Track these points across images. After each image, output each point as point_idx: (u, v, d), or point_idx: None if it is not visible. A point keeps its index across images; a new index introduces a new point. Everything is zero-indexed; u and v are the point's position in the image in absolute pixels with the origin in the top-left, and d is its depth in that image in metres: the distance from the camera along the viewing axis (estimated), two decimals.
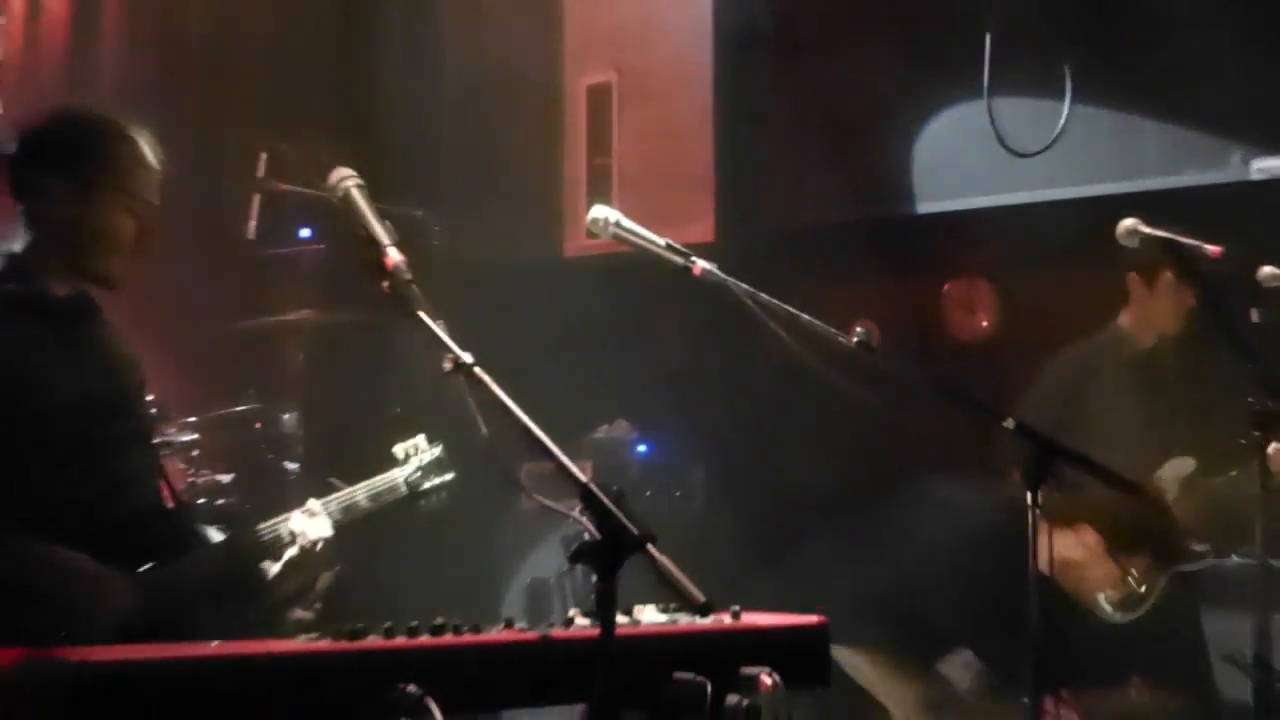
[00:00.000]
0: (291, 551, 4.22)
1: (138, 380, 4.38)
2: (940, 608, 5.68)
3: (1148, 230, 4.87)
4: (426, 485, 4.47)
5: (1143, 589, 5.44)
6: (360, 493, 4.35)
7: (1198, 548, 5.27)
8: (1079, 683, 5.40)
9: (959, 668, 5.21)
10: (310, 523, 4.26)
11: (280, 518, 4.25)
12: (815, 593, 4.38)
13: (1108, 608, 5.46)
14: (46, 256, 4.16)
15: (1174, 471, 5.56)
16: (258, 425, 7.11)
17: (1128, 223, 4.94)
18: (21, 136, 4.29)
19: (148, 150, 4.24)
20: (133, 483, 4.18)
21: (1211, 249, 4.51)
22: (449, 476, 4.52)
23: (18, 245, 4.17)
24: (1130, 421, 5.82)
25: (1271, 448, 4.66)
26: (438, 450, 4.53)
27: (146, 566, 3.99)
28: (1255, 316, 4.65)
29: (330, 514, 4.29)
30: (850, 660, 5.21)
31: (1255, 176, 7.02)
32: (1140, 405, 5.92)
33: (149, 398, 4.62)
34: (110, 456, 4.14)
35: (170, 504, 4.28)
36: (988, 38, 7.07)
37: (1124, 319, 5.87)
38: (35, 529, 3.90)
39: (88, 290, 4.23)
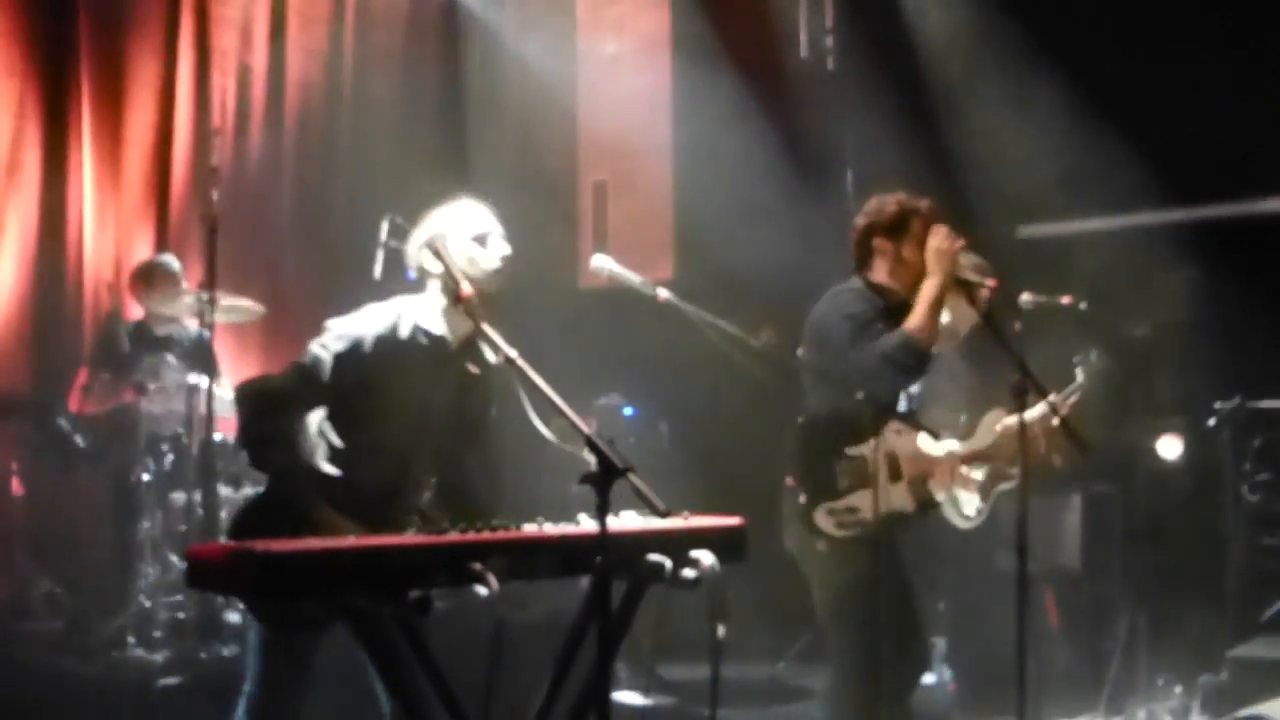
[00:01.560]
0: None
1: (487, 394, 3.84)
2: None
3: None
4: None
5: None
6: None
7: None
8: None
9: None
10: None
11: None
12: (738, 499, 4.31)
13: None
14: (436, 307, 3.73)
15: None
16: None
17: None
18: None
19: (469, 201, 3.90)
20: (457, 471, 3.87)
21: (990, 283, 4.42)
22: None
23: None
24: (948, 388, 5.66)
25: (1036, 411, 4.53)
26: None
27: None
28: (1017, 328, 4.57)
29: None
30: None
31: (1021, 236, 7.01)
32: (949, 377, 5.77)
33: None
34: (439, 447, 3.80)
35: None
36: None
37: None
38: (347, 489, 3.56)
39: (474, 338, 3.69)
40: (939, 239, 4.34)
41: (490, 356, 3.71)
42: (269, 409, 3.57)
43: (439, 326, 3.71)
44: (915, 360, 4.24)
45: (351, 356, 3.58)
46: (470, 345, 3.73)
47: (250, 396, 3.63)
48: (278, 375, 3.65)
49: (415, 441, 3.69)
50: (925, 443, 4.45)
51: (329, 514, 3.48)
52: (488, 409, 3.87)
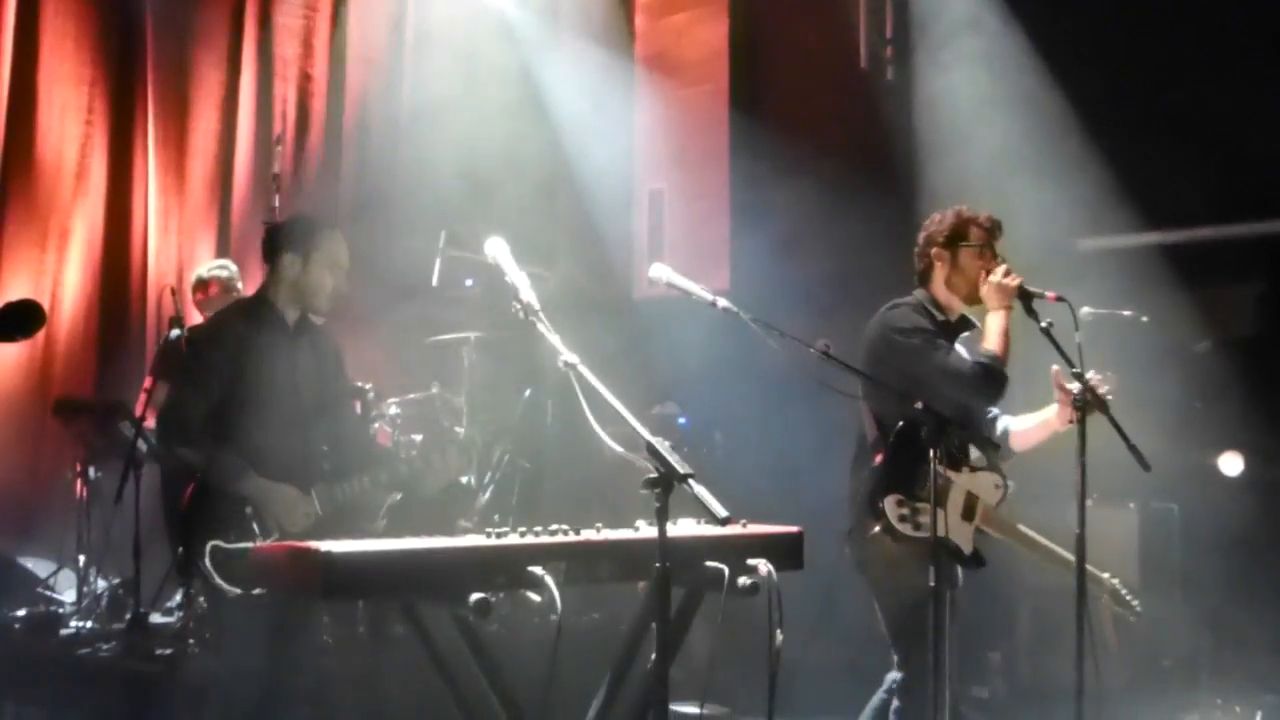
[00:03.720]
0: None
1: (338, 367, 4.51)
2: None
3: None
4: None
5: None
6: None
7: None
8: None
9: None
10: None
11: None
12: (793, 509, 4.30)
13: None
14: (281, 296, 4.35)
15: None
16: (439, 404, 7.10)
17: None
18: (269, 227, 4.51)
19: (340, 236, 4.43)
20: (337, 432, 4.43)
21: (1050, 295, 4.39)
22: None
23: (263, 289, 4.40)
24: None
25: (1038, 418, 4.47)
26: None
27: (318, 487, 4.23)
28: (1077, 339, 4.53)
29: None
30: None
31: (1081, 249, 6.95)
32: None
33: (367, 384, 4.97)
34: (316, 416, 4.35)
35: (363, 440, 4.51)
36: None
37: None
38: (260, 466, 4.11)
39: (306, 315, 4.43)
40: (998, 276, 4.38)
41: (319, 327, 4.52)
42: (175, 425, 4.20)
43: (282, 310, 4.35)
44: (998, 382, 4.30)
45: (224, 356, 4.21)
46: (305, 322, 4.41)
47: (162, 424, 4.28)
48: (177, 396, 4.28)
49: (298, 408, 4.29)
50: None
51: (264, 482, 4.10)
52: (342, 371, 4.55)
